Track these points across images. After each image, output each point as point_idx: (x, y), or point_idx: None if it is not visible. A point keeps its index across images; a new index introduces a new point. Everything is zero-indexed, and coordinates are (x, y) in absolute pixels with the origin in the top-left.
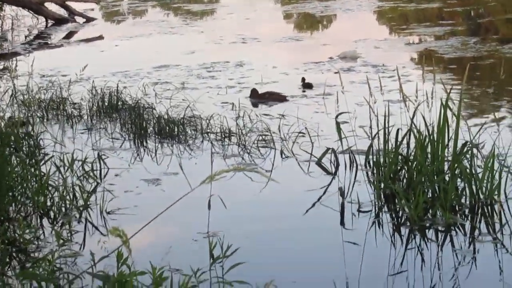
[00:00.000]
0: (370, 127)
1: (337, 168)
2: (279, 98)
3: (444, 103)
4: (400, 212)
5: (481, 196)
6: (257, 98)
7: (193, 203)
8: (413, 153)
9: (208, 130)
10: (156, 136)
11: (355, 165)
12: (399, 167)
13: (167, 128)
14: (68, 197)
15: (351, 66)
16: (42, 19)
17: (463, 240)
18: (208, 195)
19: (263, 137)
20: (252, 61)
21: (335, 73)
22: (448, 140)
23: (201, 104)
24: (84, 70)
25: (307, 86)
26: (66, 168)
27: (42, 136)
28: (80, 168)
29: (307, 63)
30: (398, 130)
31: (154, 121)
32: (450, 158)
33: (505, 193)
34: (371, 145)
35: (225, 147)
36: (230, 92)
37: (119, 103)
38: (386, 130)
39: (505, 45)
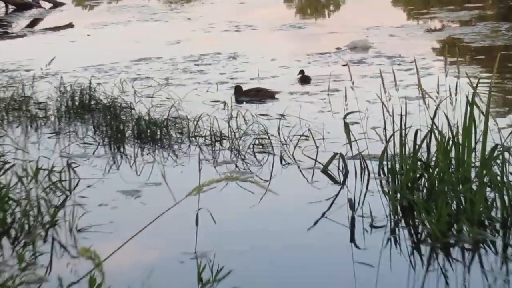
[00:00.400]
0: (384, 128)
1: (346, 176)
2: (267, 94)
3: (470, 100)
4: (420, 227)
5: None
6: (242, 95)
7: (178, 218)
8: (434, 158)
9: (196, 133)
10: (136, 141)
11: (366, 172)
12: (418, 175)
13: (149, 131)
14: (32, 213)
15: (362, 58)
16: (1, 4)
17: (493, 260)
18: (195, 208)
19: (260, 140)
20: (247, 52)
21: (344, 65)
22: (476, 143)
23: (187, 103)
24: (51, 64)
25: (304, 80)
26: (29, 178)
27: (1, 141)
28: (46, 178)
29: (311, 55)
30: (416, 131)
31: (133, 123)
32: (477, 164)
33: None
34: (385, 150)
35: (215, 152)
36: (222, 89)
37: (92, 103)
38: (403, 131)
39: None
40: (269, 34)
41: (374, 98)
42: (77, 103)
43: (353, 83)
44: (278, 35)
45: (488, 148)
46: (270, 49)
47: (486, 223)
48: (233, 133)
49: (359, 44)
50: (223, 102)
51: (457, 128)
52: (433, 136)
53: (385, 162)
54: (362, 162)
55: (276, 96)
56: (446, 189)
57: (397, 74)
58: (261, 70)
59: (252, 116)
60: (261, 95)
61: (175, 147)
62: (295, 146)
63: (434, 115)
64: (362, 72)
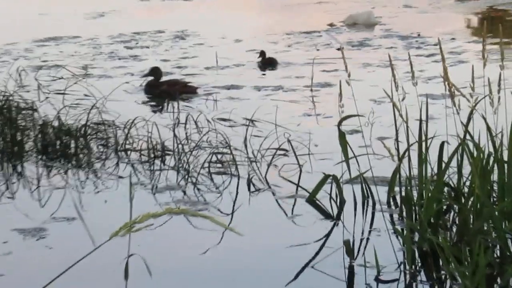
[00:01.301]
0: (396, 139)
1: (341, 208)
2: (185, 89)
3: None
4: (448, 283)
5: None
6: (151, 88)
7: (100, 268)
8: (468, 183)
9: (127, 146)
10: (40, 157)
11: (370, 203)
12: (444, 207)
13: (59, 142)
14: None
15: (364, 39)
16: None
17: None
18: (124, 255)
19: (219, 157)
20: (201, 30)
21: (338, 49)
22: None
23: (115, 102)
24: None
25: (268, 63)
26: None
27: None
28: None
29: (292, 34)
30: (442, 144)
31: (36, 131)
32: None
33: None
34: (397, 170)
35: (155, 173)
36: (175, 77)
37: None
38: (423, 144)
39: None
40: (234, 4)
41: (381, 97)
42: None
43: (349, 75)
44: (247, 5)
45: None
46: (235, 25)
47: None
48: (180, 146)
49: (361, 18)
50: (166, 101)
51: (501, 139)
52: (466, 151)
53: (397, 188)
54: (364, 188)
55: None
56: (485, 227)
57: (414, 62)
58: (221, 56)
59: (208, 121)
60: (176, 90)
61: (97, 165)
62: (269, 165)
63: (468, 120)
64: (365, 59)
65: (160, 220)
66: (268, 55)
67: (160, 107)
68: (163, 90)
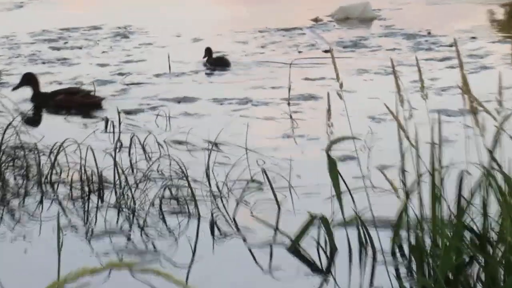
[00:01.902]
0: (402, 168)
1: (332, 258)
2: (85, 101)
3: None
4: None
5: None
6: (41, 99)
7: None
8: (496, 227)
9: (53, 177)
10: None
11: (370, 252)
12: (466, 258)
13: None
14: None
15: (359, 37)
16: None
17: None
18: None
19: (174, 191)
20: (151, 26)
21: (325, 51)
22: None
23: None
24: None
25: (216, 63)
26: None
27: None
28: None
29: (267, 31)
30: (461, 174)
31: None
32: None
33: None
34: (404, 209)
35: (90, 213)
36: (103, 92)
37: None
38: (436, 175)
39: None
40: None
41: (382, 113)
42: None
43: (341, 85)
44: None
45: None
46: (194, 20)
47: None
48: (123, 177)
49: (354, 11)
50: (104, 117)
51: None
52: (492, 184)
53: (404, 234)
54: (361, 233)
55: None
56: None
57: (424, 67)
58: (175, 60)
59: (159, 144)
60: (74, 103)
61: (14, 202)
62: (238, 202)
63: (494, 144)
64: (360, 64)
65: (99, 278)
66: (236, 57)
67: (97, 126)
68: (58, 102)
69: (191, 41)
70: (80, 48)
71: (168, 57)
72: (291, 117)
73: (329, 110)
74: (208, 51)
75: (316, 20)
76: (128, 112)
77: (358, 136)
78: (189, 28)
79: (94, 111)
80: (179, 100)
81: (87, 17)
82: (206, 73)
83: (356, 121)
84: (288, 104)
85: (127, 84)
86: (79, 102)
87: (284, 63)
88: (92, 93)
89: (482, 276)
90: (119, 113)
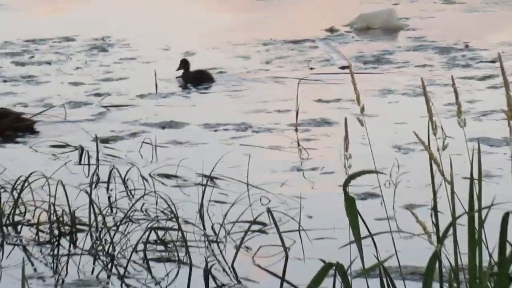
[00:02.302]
0: (434, 208)
1: None
2: (16, 124)
3: None
4: None
5: None
6: None
7: None
8: None
9: (16, 218)
10: None
11: None
12: None
13: None
14: None
15: (382, 51)
16: None
17: None
18: None
19: (161, 234)
20: (134, 37)
21: (342, 68)
22: None
23: None
24: None
25: (195, 77)
26: None
27: None
28: None
29: (273, 44)
30: (506, 216)
31: None
32: None
33: None
34: (436, 257)
35: (60, 261)
36: (77, 116)
37: None
38: (476, 217)
39: None
40: None
41: (410, 142)
42: None
43: (363, 109)
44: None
45: None
46: (185, 30)
47: None
48: (100, 217)
49: (377, 20)
50: (76, 147)
51: None
52: None
53: (435, 286)
54: (385, 284)
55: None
56: None
57: (461, 88)
58: (163, 78)
59: (144, 179)
60: (1, 127)
61: None
62: (238, 247)
63: None
64: (384, 84)
65: None
66: (235, 74)
67: (69, 156)
68: None
69: (182, 56)
70: (49, 63)
71: (155, 74)
72: (300, 146)
73: (346, 138)
74: (184, 64)
75: (331, 30)
76: (106, 140)
77: (382, 169)
78: (179, 39)
79: (31, 136)
80: (163, 126)
81: (58, 26)
82: (198, 92)
83: (379, 151)
84: (296, 130)
85: (106, 107)
86: (7, 127)
87: (294, 78)
88: (23, 116)
89: None
90: (96, 141)
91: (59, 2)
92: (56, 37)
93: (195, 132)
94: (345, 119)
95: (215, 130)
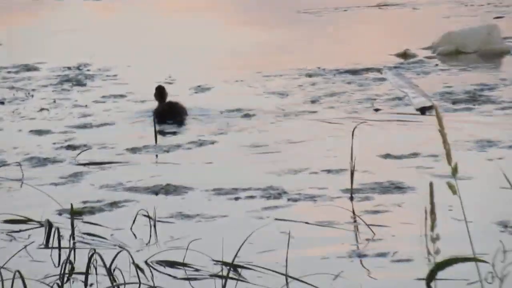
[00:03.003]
0: None
1: None
2: None
3: None
4: None
5: None
6: None
7: None
8: None
9: None
10: None
11: None
12: None
13: None
14: None
15: (481, 85)
16: None
17: None
18: None
19: None
20: (122, 63)
21: (421, 109)
22: None
23: None
24: None
25: (168, 111)
26: None
27: None
28: None
29: (320, 75)
30: None
31: None
32: None
33: None
34: None
35: None
36: (43, 178)
37: None
38: None
39: None
40: (195, 7)
41: None
42: None
43: (455, 171)
44: (224, 9)
45: None
46: (195, 54)
47: None
48: None
49: (472, 40)
50: (44, 223)
51: None
52: None
53: None
54: None
55: None
56: None
57: None
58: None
59: (138, 268)
60: None
61: None
62: None
63: None
64: (482, 132)
65: None
66: (267, 118)
67: (30, 236)
68: None
69: (192, 92)
70: (2, 103)
71: (154, 119)
72: (359, 220)
73: (432, 212)
74: (160, 93)
75: (404, 55)
76: (83, 212)
77: (482, 256)
78: (188, 68)
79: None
80: (177, 190)
81: (14, 50)
82: (208, 144)
83: (478, 230)
84: (351, 198)
85: (83, 165)
86: None
87: (351, 123)
88: None
89: None
90: (71, 213)
91: (14, 12)
92: (13, 65)
93: (214, 199)
94: (430, 184)
95: (236, 198)
